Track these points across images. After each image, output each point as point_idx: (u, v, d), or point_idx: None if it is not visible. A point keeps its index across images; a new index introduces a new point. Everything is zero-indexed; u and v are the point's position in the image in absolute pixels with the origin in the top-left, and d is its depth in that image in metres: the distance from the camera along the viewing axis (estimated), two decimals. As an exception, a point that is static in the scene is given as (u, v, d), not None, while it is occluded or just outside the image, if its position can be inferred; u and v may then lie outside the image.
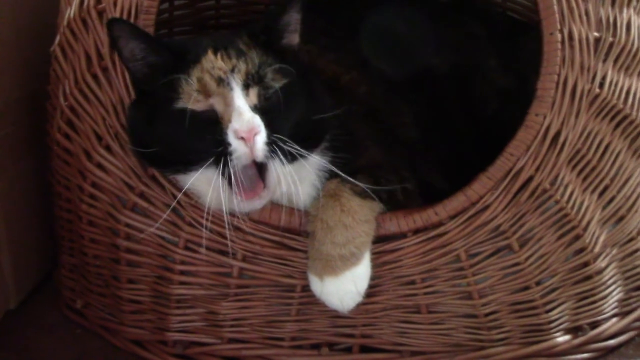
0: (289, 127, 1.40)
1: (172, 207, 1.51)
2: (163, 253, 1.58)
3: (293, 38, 1.46)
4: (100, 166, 1.58)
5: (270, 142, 1.37)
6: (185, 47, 1.43)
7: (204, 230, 1.49)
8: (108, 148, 1.56)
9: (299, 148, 1.39)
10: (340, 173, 1.46)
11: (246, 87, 1.38)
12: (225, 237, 1.52)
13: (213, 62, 1.39)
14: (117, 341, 1.68)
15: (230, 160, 1.36)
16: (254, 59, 1.40)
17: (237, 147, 1.36)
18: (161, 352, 1.63)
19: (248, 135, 1.35)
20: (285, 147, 1.38)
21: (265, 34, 1.44)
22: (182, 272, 1.58)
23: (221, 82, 1.37)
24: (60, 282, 1.82)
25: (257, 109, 1.38)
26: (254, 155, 1.37)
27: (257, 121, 1.36)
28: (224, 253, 1.55)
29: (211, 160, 1.37)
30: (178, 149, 1.40)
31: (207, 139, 1.38)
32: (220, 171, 1.38)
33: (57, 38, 1.66)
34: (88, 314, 1.74)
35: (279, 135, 1.38)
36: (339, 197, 1.48)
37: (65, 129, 1.63)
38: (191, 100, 1.37)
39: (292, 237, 1.52)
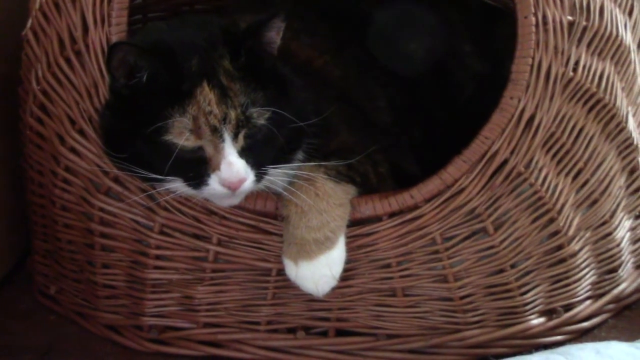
0: (273, 155, 1.42)
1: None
2: (138, 237, 1.57)
3: (275, 48, 1.44)
4: (73, 150, 1.57)
5: (256, 178, 1.39)
6: (179, 70, 1.38)
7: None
8: (82, 132, 1.55)
9: (280, 165, 1.43)
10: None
11: (236, 135, 1.37)
12: (200, 221, 1.52)
13: (210, 104, 1.36)
14: (91, 327, 1.68)
15: (207, 189, 1.38)
16: (239, 98, 1.37)
17: (219, 189, 1.37)
18: (136, 337, 1.63)
19: (235, 185, 1.37)
20: (268, 172, 1.41)
21: (247, 55, 1.40)
22: (158, 257, 1.57)
23: (215, 131, 1.36)
24: (33, 268, 1.81)
25: (243, 150, 1.38)
26: (234, 195, 1.40)
27: (246, 171, 1.37)
28: (199, 237, 1.54)
29: (186, 183, 1.39)
30: (154, 169, 1.39)
31: (188, 172, 1.38)
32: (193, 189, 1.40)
33: (29, 21, 1.64)
34: (62, 300, 1.73)
35: (263, 169, 1.40)
36: (313, 181, 1.47)
37: (37, 114, 1.61)
38: (182, 139, 1.35)
39: (268, 220, 1.52)
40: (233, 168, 1.36)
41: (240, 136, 1.37)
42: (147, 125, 1.35)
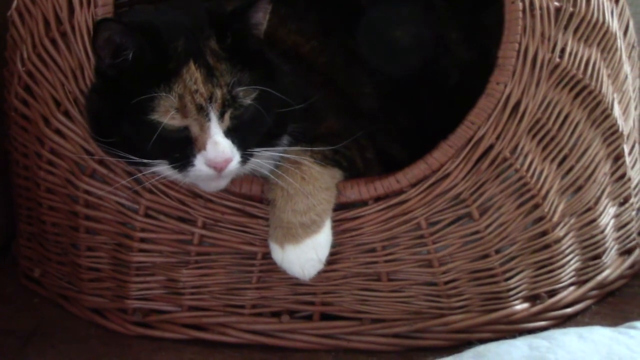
0: (259, 137, 1.42)
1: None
2: (123, 220, 1.56)
3: (261, 31, 1.44)
4: (58, 132, 1.56)
5: (241, 160, 1.38)
6: (165, 50, 1.38)
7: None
8: (67, 114, 1.54)
9: (266, 149, 1.42)
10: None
11: (222, 114, 1.37)
12: (185, 204, 1.52)
13: (196, 82, 1.36)
14: (75, 309, 1.67)
15: (193, 170, 1.38)
16: (226, 78, 1.37)
17: (205, 170, 1.37)
18: (121, 320, 1.62)
19: (221, 165, 1.36)
20: (254, 154, 1.41)
21: (233, 37, 1.40)
22: (142, 240, 1.57)
23: (201, 110, 1.36)
24: (18, 251, 1.80)
25: (229, 131, 1.38)
26: (220, 176, 1.39)
27: (232, 150, 1.37)
28: (184, 220, 1.54)
29: (172, 165, 1.39)
30: (140, 151, 1.38)
31: (174, 153, 1.38)
32: (179, 171, 1.39)
33: (15, 2, 1.64)
34: (46, 283, 1.73)
35: (249, 150, 1.39)
36: (300, 164, 1.48)
37: (22, 95, 1.61)
38: (168, 117, 1.35)
39: (253, 204, 1.52)
40: (219, 147, 1.35)
41: (227, 116, 1.37)
42: (134, 105, 1.34)
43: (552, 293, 1.65)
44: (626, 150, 1.69)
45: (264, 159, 1.46)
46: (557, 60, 1.52)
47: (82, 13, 1.51)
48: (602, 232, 1.69)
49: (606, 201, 1.68)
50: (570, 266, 1.66)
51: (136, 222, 1.55)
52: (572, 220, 1.63)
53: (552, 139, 1.55)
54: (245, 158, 1.39)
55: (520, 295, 1.62)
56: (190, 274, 1.57)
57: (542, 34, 1.51)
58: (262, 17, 1.42)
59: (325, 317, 1.60)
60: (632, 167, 1.73)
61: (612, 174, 1.68)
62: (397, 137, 1.72)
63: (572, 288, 1.67)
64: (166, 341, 1.61)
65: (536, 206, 1.57)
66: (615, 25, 1.63)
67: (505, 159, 1.52)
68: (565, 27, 1.53)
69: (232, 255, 1.56)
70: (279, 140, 1.48)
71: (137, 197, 1.54)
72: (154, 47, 1.37)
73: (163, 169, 1.40)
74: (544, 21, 1.51)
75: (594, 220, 1.66)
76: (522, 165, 1.53)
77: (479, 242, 1.56)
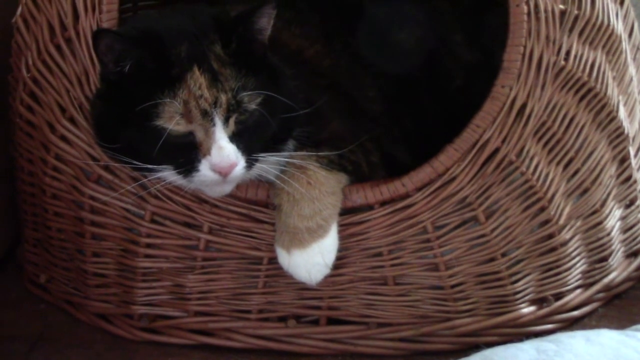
0: (264, 142, 1.42)
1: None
2: (128, 226, 1.56)
3: (265, 36, 1.44)
4: (64, 138, 1.56)
5: (246, 165, 1.38)
6: (168, 56, 1.38)
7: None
8: (72, 120, 1.55)
9: (271, 154, 1.43)
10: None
11: (227, 119, 1.37)
12: (191, 209, 1.52)
13: (200, 88, 1.36)
14: (82, 315, 1.67)
15: (198, 175, 1.38)
16: (230, 83, 1.38)
17: (210, 175, 1.37)
18: (127, 325, 1.62)
19: (226, 170, 1.36)
20: (259, 159, 1.41)
21: (237, 42, 1.40)
22: (148, 245, 1.57)
23: (206, 115, 1.36)
24: (24, 257, 1.80)
25: (234, 135, 1.38)
26: (225, 181, 1.39)
27: (236, 155, 1.37)
28: (190, 225, 1.54)
29: (176, 170, 1.39)
30: (145, 157, 1.39)
31: (179, 158, 1.38)
32: (184, 177, 1.39)
33: (19, 9, 1.64)
34: (52, 289, 1.73)
35: (255, 155, 1.40)
36: (305, 169, 1.48)
37: (27, 101, 1.61)
38: (173, 123, 1.35)
39: (259, 209, 1.52)
40: (224, 152, 1.35)
41: (231, 121, 1.37)
42: (138, 111, 1.35)
43: (558, 296, 1.64)
44: (632, 152, 1.69)
45: (269, 164, 1.46)
46: (562, 63, 1.52)
47: (87, 19, 1.51)
48: (609, 234, 1.68)
49: (612, 204, 1.68)
50: (577, 269, 1.65)
51: (142, 228, 1.55)
52: (579, 223, 1.63)
53: (558, 141, 1.55)
54: (250, 163, 1.39)
55: (526, 298, 1.61)
56: (196, 280, 1.57)
57: (547, 37, 1.50)
58: (266, 23, 1.42)
59: (331, 321, 1.60)
60: (638, 169, 1.72)
61: (618, 176, 1.68)
62: (401, 140, 1.72)
63: (578, 291, 1.67)
64: (173, 347, 1.61)
65: (542, 209, 1.56)
66: (620, 27, 1.63)
67: (511, 162, 1.52)
68: (570, 30, 1.53)
69: (238, 261, 1.56)
70: (284, 145, 1.48)
71: (142, 203, 1.54)
72: (154, 55, 1.37)
73: (168, 174, 1.40)
74: (549, 24, 1.50)
75: (600, 222, 1.66)
76: (527, 168, 1.53)
77: (485, 246, 1.55)
